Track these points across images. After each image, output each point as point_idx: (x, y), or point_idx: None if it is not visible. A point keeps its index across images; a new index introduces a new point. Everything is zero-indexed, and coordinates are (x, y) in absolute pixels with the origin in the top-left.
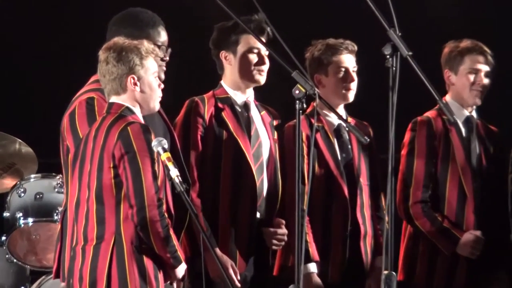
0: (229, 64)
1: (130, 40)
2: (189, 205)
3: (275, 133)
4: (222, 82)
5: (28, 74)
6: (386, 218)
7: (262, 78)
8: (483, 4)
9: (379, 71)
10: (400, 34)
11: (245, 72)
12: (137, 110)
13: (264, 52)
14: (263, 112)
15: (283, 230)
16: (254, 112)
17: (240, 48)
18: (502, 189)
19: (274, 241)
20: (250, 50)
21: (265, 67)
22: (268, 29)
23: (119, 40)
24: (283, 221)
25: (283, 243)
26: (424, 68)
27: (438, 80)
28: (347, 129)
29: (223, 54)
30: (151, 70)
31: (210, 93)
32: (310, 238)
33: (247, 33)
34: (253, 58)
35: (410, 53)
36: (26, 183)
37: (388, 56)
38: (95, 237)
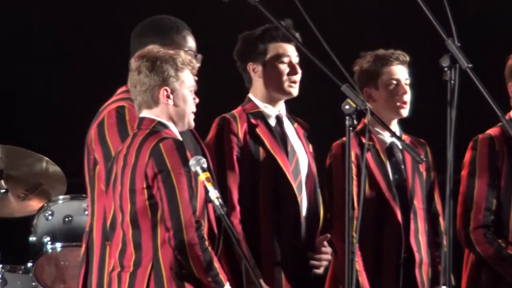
0: (258, 77)
1: (166, 50)
2: (230, 229)
3: (310, 146)
4: (250, 95)
5: (55, 88)
6: (444, 243)
7: (295, 90)
8: None
9: (436, 85)
10: (459, 44)
11: (277, 84)
12: (171, 125)
13: (295, 60)
14: (296, 125)
15: (327, 249)
16: (288, 126)
17: (269, 58)
18: None
19: (314, 262)
20: (280, 59)
21: (298, 77)
22: (297, 35)
23: (154, 48)
24: (328, 235)
25: (324, 263)
26: (485, 81)
27: (502, 95)
28: (400, 148)
29: (250, 66)
30: (187, 83)
31: (239, 108)
32: (360, 266)
33: (276, 41)
34: (284, 68)
35: (470, 65)
36: (53, 205)
37: (446, 69)
38: (132, 264)
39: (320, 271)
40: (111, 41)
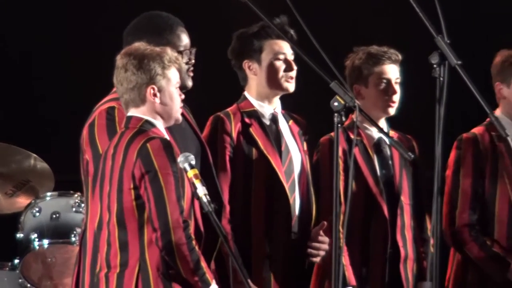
0: (254, 74)
1: (152, 47)
2: (217, 226)
3: (305, 144)
4: (246, 93)
5: (44, 83)
6: (431, 241)
7: (291, 86)
8: None
9: (425, 81)
10: (448, 41)
11: (273, 80)
12: (158, 123)
13: (290, 57)
14: (291, 122)
15: (324, 238)
16: (283, 124)
17: (265, 56)
18: None
19: (311, 251)
20: (275, 56)
21: (294, 73)
22: (292, 32)
23: (141, 45)
24: (324, 223)
25: (322, 253)
26: (475, 78)
27: (491, 92)
28: (388, 143)
29: (246, 64)
30: (173, 81)
31: (234, 106)
32: (346, 261)
33: (271, 38)
34: (280, 64)
35: (460, 62)
36: (41, 202)
37: (435, 65)
38: (119, 264)
39: (317, 260)
40: (101, 38)
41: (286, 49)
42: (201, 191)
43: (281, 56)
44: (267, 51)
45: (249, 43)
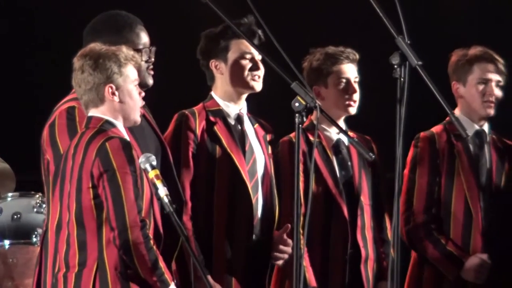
0: (220, 73)
1: (108, 46)
2: (178, 226)
3: (269, 147)
4: (212, 93)
5: (4, 85)
6: (391, 241)
7: (257, 84)
8: (501, 10)
9: (385, 82)
10: (409, 42)
11: (239, 79)
12: (118, 123)
13: (258, 57)
14: (256, 125)
15: (289, 241)
16: (248, 125)
17: (231, 55)
18: None
19: (277, 254)
20: (242, 56)
21: (260, 73)
22: (260, 32)
23: (96, 46)
24: (288, 226)
25: (286, 256)
26: (435, 79)
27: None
28: (346, 144)
29: (213, 63)
30: (131, 78)
31: (200, 105)
32: (307, 262)
33: (238, 38)
34: (246, 64)
35: (420, 62)
36: (2, 202)
37: (396, 66)
38: (77, 264)
39: (280, 263)
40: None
41: (252, 48)
42: (162, 191)
43: (248, 56)
44: (234, 50)
45: (216, 42)
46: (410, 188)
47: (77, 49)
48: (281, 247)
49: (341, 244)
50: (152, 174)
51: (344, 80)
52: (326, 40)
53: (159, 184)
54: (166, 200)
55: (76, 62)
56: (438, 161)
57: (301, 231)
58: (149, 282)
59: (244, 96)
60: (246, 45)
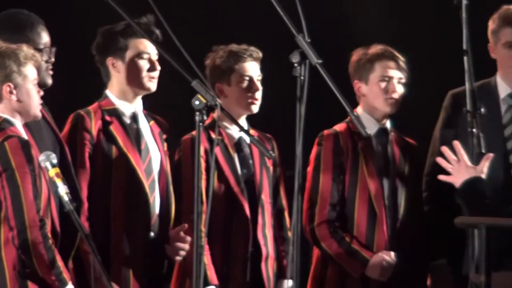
0: (117, 72)
1: (8, 45)
2: (78, 224)
3: (165, 144)
4: (107, 91)
5: None
6: (291, 239)
7: (153, 85)
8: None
9: (286, 80)
10: (309, 40)
11: (135, 79)
12: (17, 122)
13: (155, 57)
14: (152, 122)
15: (186, 238)
16: (143, 124)
17: (129, 54)
18: (419, 205)
19: (172, 251)
20: (140, 55)
21: (156, 73)
22: (158, 32)
23: None
24: (185, 225)
25: (183, 253)
26: (335, 77)
27: (351, 91)
28: (248, 142)
29: (110, 61)
30: (30, 77)
31: (95, 104)
32: (208, 260)
33: (136, 37)
34: (144, 64)
35: (320, 61)
36: None
37: (296, 64)
38: None
39: (177, 259)
40: None
41: (150, 48)
42: (63, 190)
43: (145, 56)
44: (132, 50)
45: (114, 40)
46: (314, 186)
47: None
48: (178, 244)
49: (242, 242)
50: (52, 172)
51: (247, 78)
52: (229, 38)
53: (59, 182)
54: (66, 198)
55: None
56: (342, 159)
57: (202, 229)
58: (48, 281)
59: (140, 95)
60: (144, 45)
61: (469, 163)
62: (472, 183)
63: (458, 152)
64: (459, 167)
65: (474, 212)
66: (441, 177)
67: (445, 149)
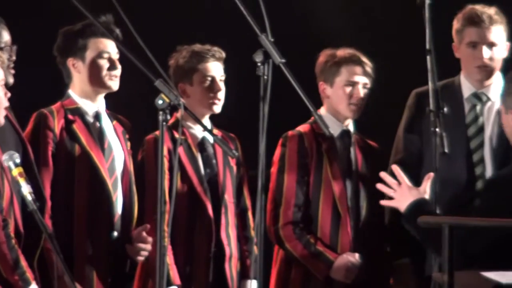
0: (78, 72)
1: None
2: (42, 224)
3: (128, 144)
4: (70, 91)
5: None
6: (255, 239)
7: (114, 84)
8: (368, 8)
9: (249, 80)
10: (273, 40)
11: (96, 78)
12: None
13: (115, 56)
14: (115, 122)
15: (148, 239)
16: (106, 123)
17: (89, 54)
18: (381, 207)
19: (134, 251)
20: (100, 55)
21: (118, 72)
22: (118, 30)
23: None
24: (147, 226)
25: (144, 253)
26: (299, 77)
27: (315, 91)
28: (212, 142)
29: (70, 61)
30: None
31: (58, 104)
32: (170, 260)
33: (96, 36)
34: (104, 63)
35: (283, 60)
36: None
37: (259, 64)
38: None
39: (140, 259)
40: None
41: (110, 48)
42: (26, 189)
43: (105, 55)
44: (92, 49)
45: (74, 40)
46: (278, 187)
47: None
48: (140, 244)
49: (205, 242)
50: (15, 171)
51: (209, 78)
52: (193, 38)
53: (22, 182)
54: (29, 198)
55: None
56: (307, 160)
57: (165, 229)
58: (11, 281)
59: (102, 94)
60: (104, 44)
61: (410, 184)
62: (418, 206)
63: (398, 175)
64: (401, 190)
65: (424, 235)
66: (383, 202)
67: (384, 175)
